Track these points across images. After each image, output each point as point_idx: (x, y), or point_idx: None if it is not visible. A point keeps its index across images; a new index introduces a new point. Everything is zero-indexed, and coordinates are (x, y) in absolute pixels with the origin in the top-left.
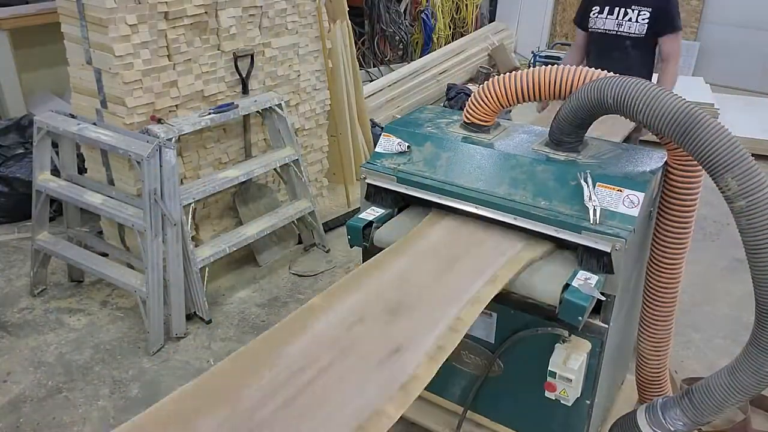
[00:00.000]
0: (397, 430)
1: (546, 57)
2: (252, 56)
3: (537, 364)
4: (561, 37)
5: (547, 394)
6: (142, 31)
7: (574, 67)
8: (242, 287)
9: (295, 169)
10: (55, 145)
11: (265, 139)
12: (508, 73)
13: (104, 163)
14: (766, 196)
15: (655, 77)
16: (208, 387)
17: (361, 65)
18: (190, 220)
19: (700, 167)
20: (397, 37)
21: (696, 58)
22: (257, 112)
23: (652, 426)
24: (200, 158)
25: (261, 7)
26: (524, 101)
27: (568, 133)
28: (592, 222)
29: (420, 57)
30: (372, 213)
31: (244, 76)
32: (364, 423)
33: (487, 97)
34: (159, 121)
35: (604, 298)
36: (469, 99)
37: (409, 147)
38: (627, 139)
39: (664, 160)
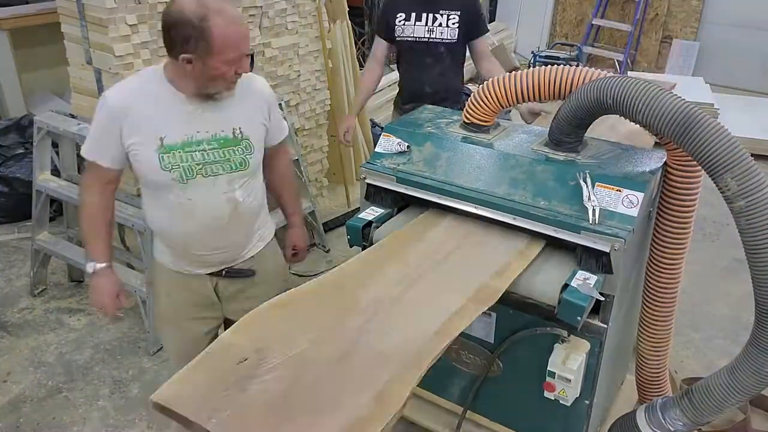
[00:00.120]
0: (397, 430)
1: (546, 57)
2: (252, 56)
3: (536, 364)
4: (561, 37)
5: (546, 394)
6: (142, 31)
7: (574, 67)
8: None
9: (295, 169)
10: (55, 145)
11: None
12: (508, 73)
13: None
14: (765, 196)
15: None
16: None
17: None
18: None
19: (700, 167)
20: None
21: (696, 58)
22: None
23: (652, 426)
24: None
25: (261, 7)
26: (524, 101)
27: (568, 133)
28: (591, 222)
29: None
30: (372, 213)
31: None
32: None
33: (487, 97)
34: None
35: (603, 298)
36: (469, 99)
37: (408, 147)
38: None
39: (664, 160)
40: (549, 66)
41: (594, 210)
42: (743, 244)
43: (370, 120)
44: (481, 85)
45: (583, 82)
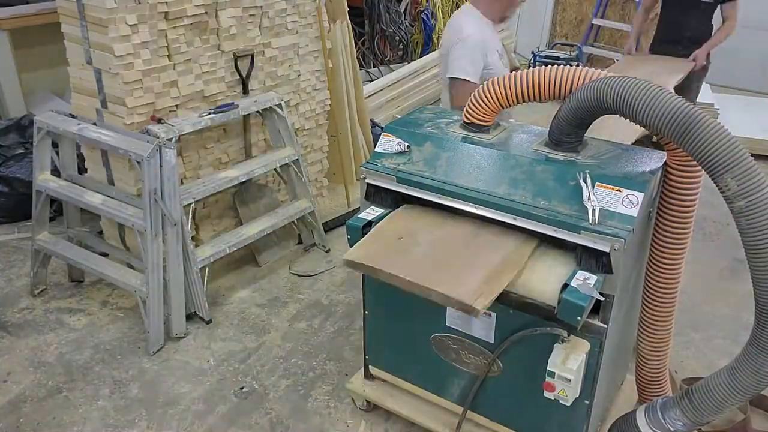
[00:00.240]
0: (397, 430)
1: (546, 57)
2: (252, 56)
3: (536, 364)
4: (561, 37)
5: (546, 394)
6: (142, 31)
7: (574, 67)
8: (242, 287)
9: (295, 169)
10: (55, 145)
11: (265, 139)
12: (509, 73)
13: (104, 163)
14: (765, 196)
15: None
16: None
17: (361, 65)
18: (190, 220)
19: (700, 168)
20: (397, 37)
21: None
22: (257, 112)
23: (652, 426)
24: (200, 158)
25: (261, 7)
26: (524, 101)
27: (568, 133)
28: (591, 222)
29: (420, 57)
30: (372, 213)
31: (244, 76)
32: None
33: (487, 97)
34: (159, 121)
35: (603, 298)
36: (469, 99)
37: (408, 147)
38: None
39: (664, 160)
40: (549, 66)
41: (594, 210)
42: (743, 244)
43: (370, 120)
44: (481, 85)
45: (584, 82)
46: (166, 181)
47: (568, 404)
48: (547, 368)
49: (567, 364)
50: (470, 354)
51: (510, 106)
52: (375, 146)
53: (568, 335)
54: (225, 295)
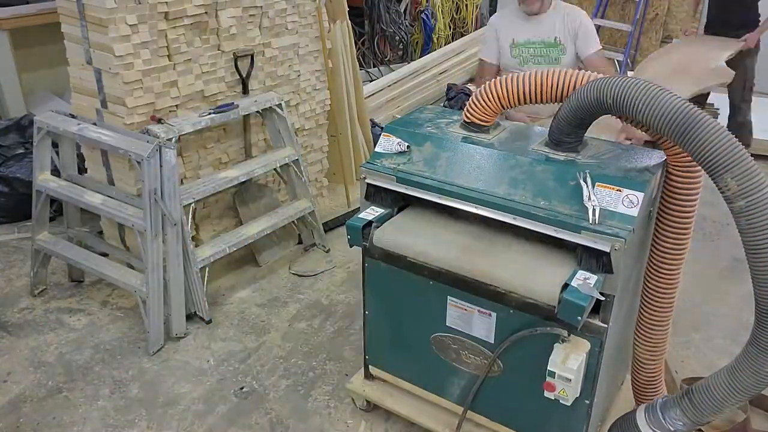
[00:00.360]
0: (397, 429)
1: None
2: (252, 56)
3: (536, 364)
4: None
5: (546, 394)
6: (142, 31)
7: (577, 70)
8: (242, 287)
9: (295, 169)
10: (55, 145)
11: (265, 139)
12: (510, 75)
13: (104, 163)
14: (765, 196)
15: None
16: None
17: (361, 65)
18: (190, 220)
19: (699, 170)
20: (397, 37)
21: None
22: (257, 112)
23: (652, 426)
24: (200, 158)
25: (261, 7)
26: (526, 103)
27: (568, 133)
28: (591, 222)
29: (420, 57)
30: (372, 213)
31: (244, 76)
32: None
33: (488, 97)
34: (159, 121)
35: (603, 298)
36: (470, 99)
37: (408, 147)
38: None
39: (664, 159)
40: (552, 69)
41: (594, 210)
42: (743, 244)
43: (370, 120)
44: (482, 86)
45: (585, 83)
46: (166, 181)
47: (569, 404)
48: (548, 368)
49: (567, 364)
50: (470, 354)
51: (511, 107)
52: (375, 146)
53: (569, 335)
54: (225, 295)
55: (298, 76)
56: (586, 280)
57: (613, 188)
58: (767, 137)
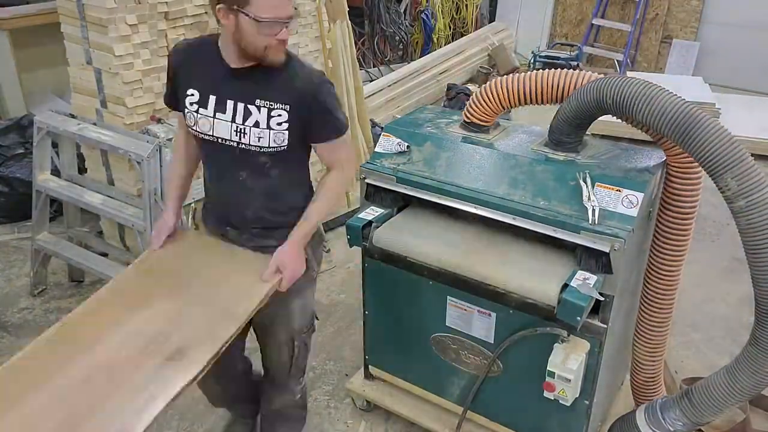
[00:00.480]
0: (397, 430)
1: (546, 57)
2: None
3: (536, 364)
4: (561, 37)
5: (546, 394)
6: (142, 31)
7: (577, 71)
8: None
9: None
10: (55, 145)
11: None
12: (510, 75)
13: (104, 163)
14: (765, 196)
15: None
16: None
17: (361, 65)
18: (190, 220)
19: (699, 173)
20: (397, 37)
21: (696, 58)
22: None
23: (652, 426)
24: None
25: None
26: (526, 104)
27: (568, 133)
28: (591, 222)
29: (420, 57)
30: (371, 213)
31: None
32: None
33: (488, 97)
34: (159, 121)
35: (602, 299)
36: (470, 99)
37: (408, 147)
38: None
39: (664, 159)
40: (553, 69)
41: (594, 210)
42: (743, 244)
43: (370, 120)
44: (483, 86)
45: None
46: (166, 181)
47: (568, 404)
48: (547, 368)
49: (567, 364)
50: (470, 354)
51: (512, 107)
52: (375, 146)
53: (568, 335)
54: None
55: None
56: (585, 281)
57: (612, 188)
58: (767, 137)
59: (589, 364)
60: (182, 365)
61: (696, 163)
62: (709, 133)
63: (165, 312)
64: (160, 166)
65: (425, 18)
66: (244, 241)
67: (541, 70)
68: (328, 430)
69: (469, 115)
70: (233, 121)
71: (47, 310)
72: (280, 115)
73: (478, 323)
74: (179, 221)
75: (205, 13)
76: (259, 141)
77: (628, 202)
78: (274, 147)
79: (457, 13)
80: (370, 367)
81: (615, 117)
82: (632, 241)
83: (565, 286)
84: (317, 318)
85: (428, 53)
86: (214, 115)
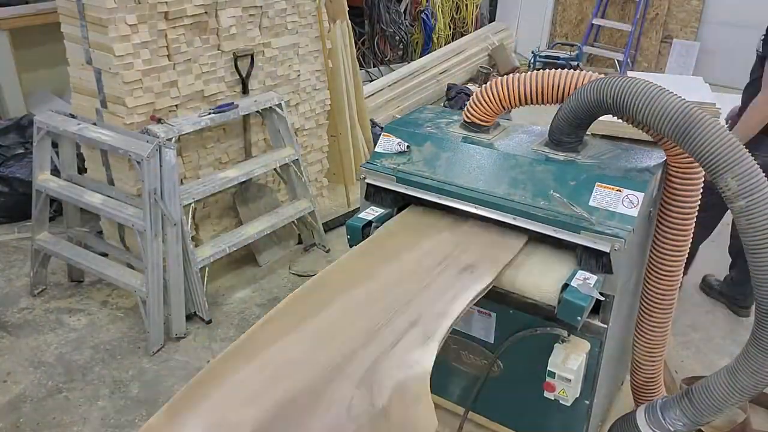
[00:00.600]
0: None
1: (546, 57)
2: (252, 56)
3: (536, 365)
4: (561, 37)
5: (546, 394)
6: (142, 31)
7: (578, 71)
8: (242, 287)
9: (295, 169)
10: (55, 145)
11: (265, 139)
12: (511, 75)
13: (104, 163)
14: (765, 196)
15: None
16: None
17: (361, 65)
18: (190, 220)
19: (700, 174)
20: (397, 37)
21: (696, 58)
22: (257, 112)
23: (652, 426)
24: (200, 158)
25: (261, 7)
26: (527, 104)
27: (568, 133)
28: (591, 222)
29: (420, 57)
30: (371, 213)
31: (244, 76)
32: None
33: (489, 97)
34: (159, 121)
35: (603, 299)
36: (471, 99)
37: (408, 147)
38: None
39: (664, 159)
40: (553, 69)
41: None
42: (743, 244)
43: (370, 120)
44: (483, 86)
45: None
46: (166, 181)
47: (568, 404)
48: (548, 368)
49: (567, 364)
50: (470, 354)
51: (512, 107)
52: (375, 146)
53: (568, 335)
54: (225, 295)
55: (298, 76)
56: (585, 281)
57: (613, 188)
58: None
59: (589, 364)
60: (474, 277)
61: (696, 163)
62: (710, 133)
63: (448, 241)
64: (160, 166)
65: (425, 18)
66: None
67: (541, 70)
68: None
69: (469, 115)
70: None
71: (47, 310)
72: None
73: (478, 323)
74: None
75: (205, 13)
76: None
77: (629, 202)
78: None
79: (457, 13)
80: None
81: (615, 117)
82: (632, 241)
83: (566, 286)
84: None
85: (428, 53)
86: None
